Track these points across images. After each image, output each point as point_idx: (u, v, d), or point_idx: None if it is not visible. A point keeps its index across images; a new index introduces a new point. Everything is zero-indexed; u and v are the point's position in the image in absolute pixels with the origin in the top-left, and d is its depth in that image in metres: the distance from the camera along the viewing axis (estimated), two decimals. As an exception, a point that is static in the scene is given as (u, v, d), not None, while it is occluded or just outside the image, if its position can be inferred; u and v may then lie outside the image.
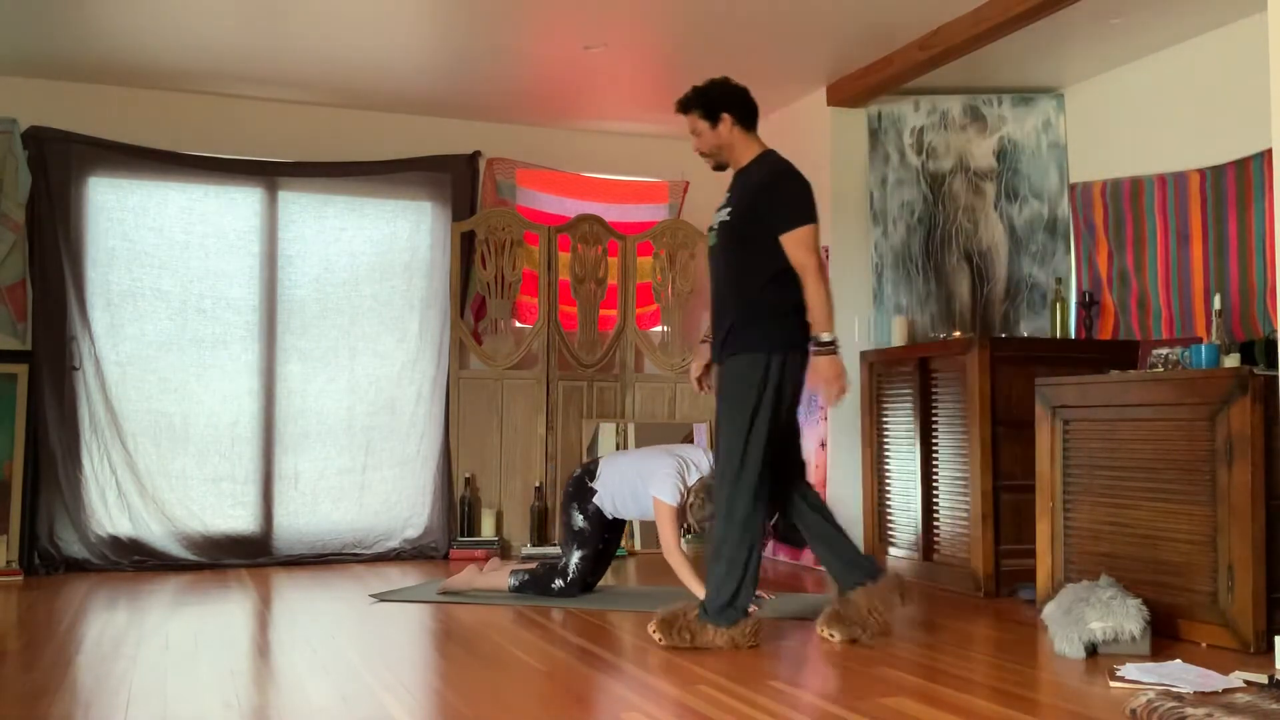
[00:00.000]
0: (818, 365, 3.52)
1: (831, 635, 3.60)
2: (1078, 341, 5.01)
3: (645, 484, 4.24)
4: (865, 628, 3.59)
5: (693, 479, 4.21)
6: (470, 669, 3.25)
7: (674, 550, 4.16)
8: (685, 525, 4.38)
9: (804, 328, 3.57)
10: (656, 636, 3.48)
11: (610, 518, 4.44)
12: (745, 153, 3.69)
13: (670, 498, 4.16)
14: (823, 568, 3.92)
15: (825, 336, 3.50)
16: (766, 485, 3.51)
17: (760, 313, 3.54)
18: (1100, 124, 5.24)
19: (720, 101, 3.67)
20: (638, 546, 6.05)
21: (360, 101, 5.86)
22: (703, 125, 3.68)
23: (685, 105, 3.73)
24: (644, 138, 6.50)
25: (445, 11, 4.63)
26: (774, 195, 3.57)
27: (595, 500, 4.39)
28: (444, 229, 6.03)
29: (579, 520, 4.43)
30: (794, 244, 3.52)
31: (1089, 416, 4.00)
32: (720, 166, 3.77)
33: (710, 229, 3.74)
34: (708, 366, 3.81)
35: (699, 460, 4.29)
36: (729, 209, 3.66)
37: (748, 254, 3.58)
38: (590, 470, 4.49)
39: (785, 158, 3.68)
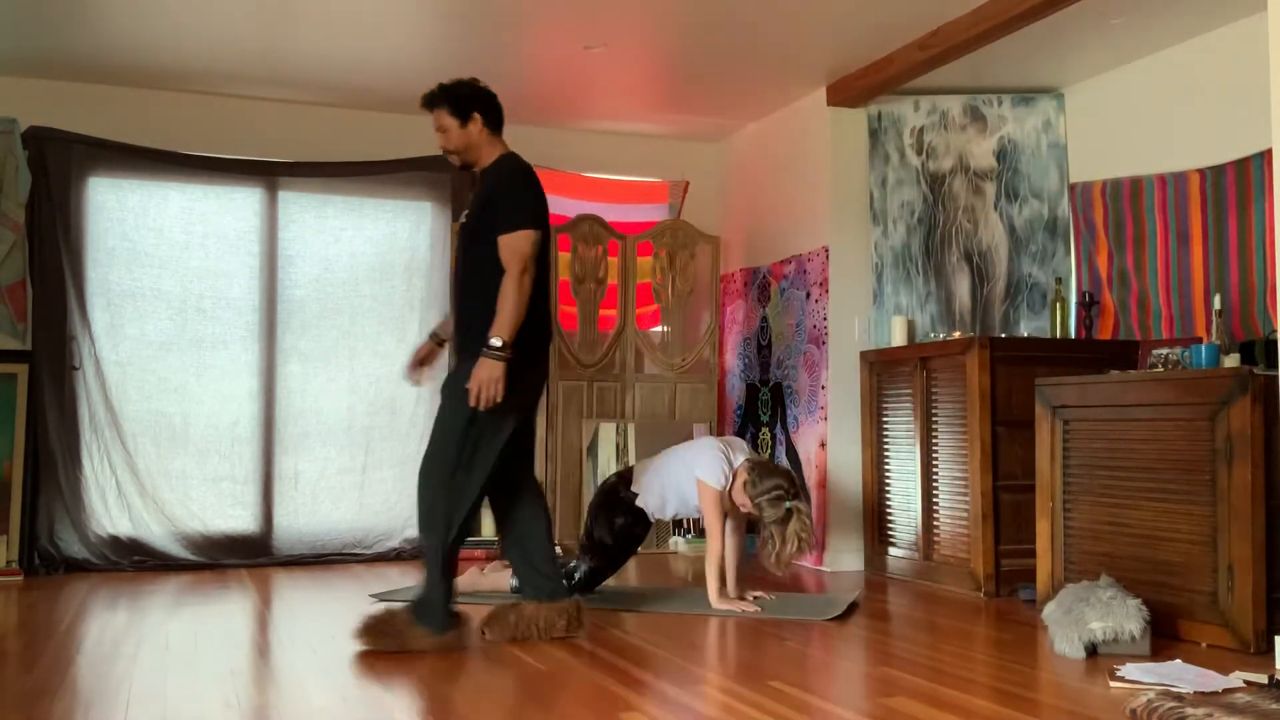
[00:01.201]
0: (478, 365, 3.44)
1: (485, 634, 3.63)
2: (1078, 341, 5.01)
3: (690, 471, 4.22)
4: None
5: (738, 463, 4.19)
6: (470, 669, 3.25)
7: (715, 536, 4.16)
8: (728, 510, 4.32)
9: (539, 335, 3.60)
10: (484, 635, 3.60)
11: (647, 525, 4.41)
12: (490, 154, 3.68)
13: (714, 480, 4.14)
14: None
15: (495, 341, 3.42)
16: (482, 495, 3.60)
17: (492, 318, 3.48)
18: (1100, 124, 5.24)
19: (471, 101, 3.65)
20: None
21: (360, 101, 5.86)
22: (451, 122, 3.65)
23: (431, 101, 3.69)
24: (644, 138, 6.50)
25: (445, 12, 4.64)
26: (500, 197, 3.56)
27: (639, 503, 4.34)
28: (444, 229, 6.02)
29: (601, 533, 4.41)
30: (503, 245, 3.48)
31: (1089, 416, 4.01)
32: (466, 166, 3.75)
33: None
34: (422, 361, 3.91)
35: (740, 446, 4.31)
36: (467, 211, 3.68)
37: (482, 257, 3.54)
38: (626, 478, 4.44)
39: (523, 161, 3.66)
